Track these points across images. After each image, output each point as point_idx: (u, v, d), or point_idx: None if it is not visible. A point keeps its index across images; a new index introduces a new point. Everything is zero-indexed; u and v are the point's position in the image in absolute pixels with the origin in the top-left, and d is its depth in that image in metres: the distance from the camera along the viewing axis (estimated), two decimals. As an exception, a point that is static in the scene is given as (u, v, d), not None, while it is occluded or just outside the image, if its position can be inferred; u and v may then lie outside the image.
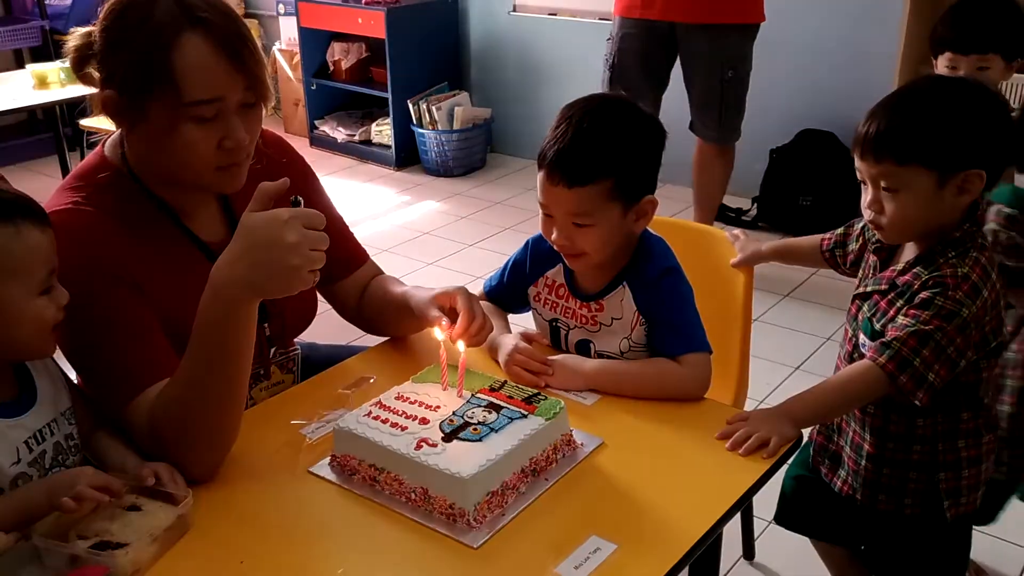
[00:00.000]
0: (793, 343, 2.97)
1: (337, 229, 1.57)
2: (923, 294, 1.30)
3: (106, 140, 1.38)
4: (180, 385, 1.18)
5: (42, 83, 3.76)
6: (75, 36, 1.29)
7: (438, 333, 1.32)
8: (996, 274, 1.32)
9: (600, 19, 4.23)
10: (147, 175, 1.33)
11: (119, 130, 1.34)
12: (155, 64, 1.19)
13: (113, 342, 1.22)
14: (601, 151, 1.34)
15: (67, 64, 3.89)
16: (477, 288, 1.58)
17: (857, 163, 1.34)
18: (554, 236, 1.40)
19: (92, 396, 1.26)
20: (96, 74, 1.27)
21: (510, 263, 1.56)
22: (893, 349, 1.28)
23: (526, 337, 1.46)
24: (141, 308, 1.25)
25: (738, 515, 1.52)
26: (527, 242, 1.54)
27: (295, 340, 1.53)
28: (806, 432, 1.38)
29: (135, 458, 1.20)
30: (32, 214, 1.11)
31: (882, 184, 1.31)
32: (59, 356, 1.23)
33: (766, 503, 1.65)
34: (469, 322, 1.35)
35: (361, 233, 1.65)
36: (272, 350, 1.46)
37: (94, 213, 1.27)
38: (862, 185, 1.36)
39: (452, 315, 1.38)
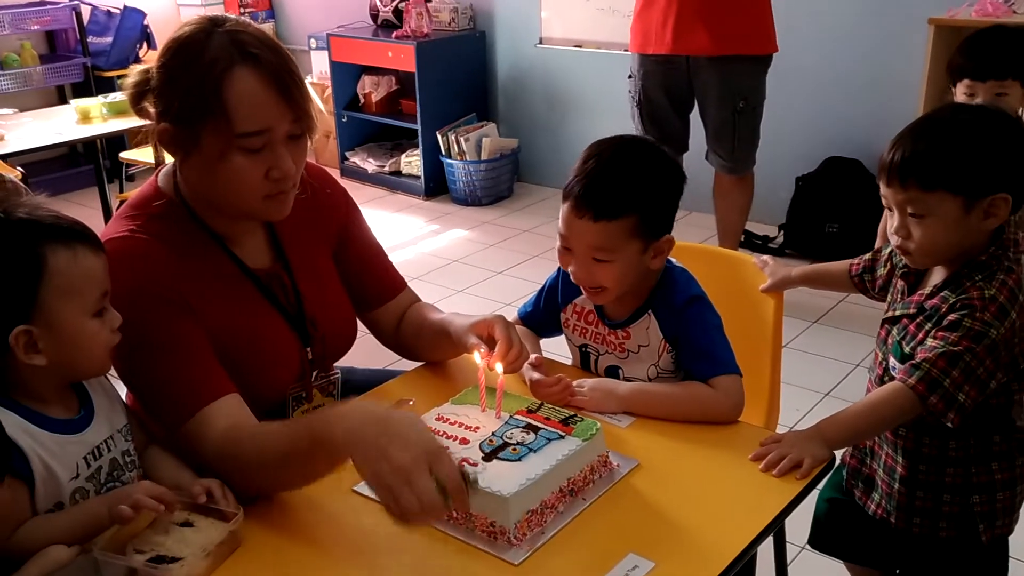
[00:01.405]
0: (823, 369, 2.98)
1: (376, 257, 1.64)
2: (951, 316, 1.32)
3: (159, 172, 1.44)
4: (267, 449, 1.20)
5: (85, 118, 3.87)
6: (134, 73, 1.37)
7: (477, 358, 1.36)
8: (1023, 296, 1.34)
9: (624, 51, 4.31)
10: (198, 204, 1.39)
11: (170, 162, 1.41)
12: (208, 97, 1.26)
13: (169, 362, 1.28)
14: (629, 187, 1.37)
15: (108, 100, 3.98)
16: (508, 315, 1.62)
17: (883, 190, 1.37)
18: (572, 269, 1.43)
19: (148, 416, 1.31)
20: (152, 108, 1.34)
21: (545, 288, 1.60)
22: (923, 370, 1.30)
23: (532, 364, 1.47)
24: (194, 330, 1.31)
25: (771, 540, 1.54)
26: (559, 268, 1.57)
27: (335, 364, 1.58)
28: (838, 454, 1.40)
29: (188, 474, 1.24)
30: (87, 239, 1.17)
31: (909, 210, 1.34)
32: (112, 375, 1.28)
33: (798, 529, 1.66)
34: (507, 349, 1.39)
35: (392, 261, 1.70)
36: (314, 373, 1.51)
37: (149, 240, 1.33)
38: (888, 211, 1.39)
39: (490, 342, 1.41)
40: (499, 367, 1.33)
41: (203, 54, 1.27)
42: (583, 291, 1.48)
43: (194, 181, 1.37)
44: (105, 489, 1.19)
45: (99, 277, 1.17)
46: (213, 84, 1.25)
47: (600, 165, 1.38)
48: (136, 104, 1.37)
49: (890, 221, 1.39)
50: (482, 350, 1.38)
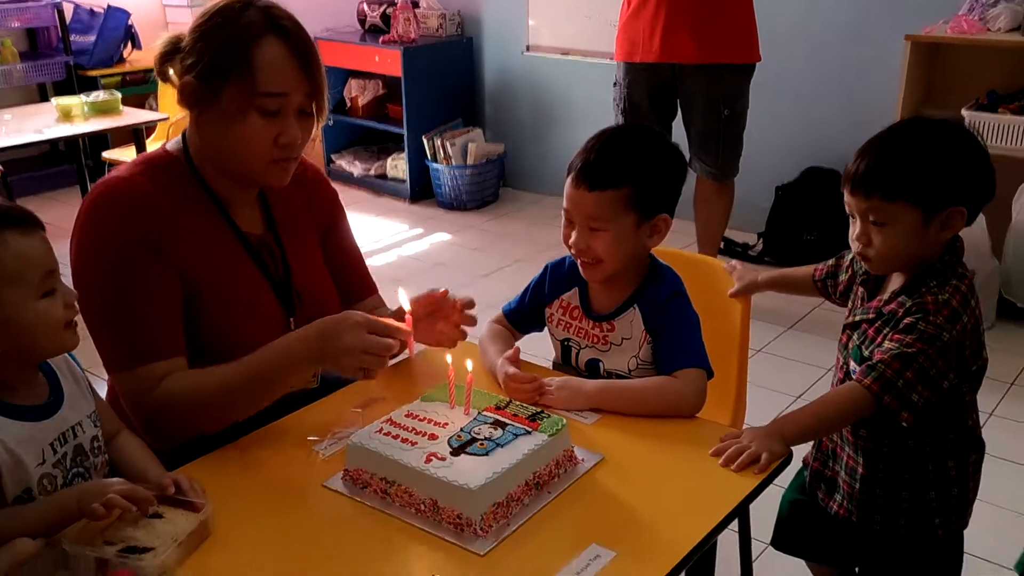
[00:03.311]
0: (795, 373, 3.03)
1: (354, 258, 1.70)
2: (906, 320, 1.36)
3: (167, 142, 1.52)
4: (213, 386, 1.34)
5: (66, 116, 3.87)
6: (164, 38, 1.45)
7: (404, 300, 1.41)
8: (975, 300, 1.39)
9: (610, 59, 4.35)
10: (204, 164, 1.47)
11: (176, 139, 1.50)
12: (238, 55, 1.36)
13: (139, 309, 1.36)
14: (624, 160, 1.47)
15: (90, 98, 4.00)
16: (491, 315, 1.67)
17: (847, 198, 1.42)
18: (572, 240, 1.50)
19: (98, 350, 1.35)
20: (174, 75, 1.43)
21: (531, 286, 1.66)
22: (878, 371, 1.35)
23: (509, 359, 1.52)
24: (172, 286, 1.39)
25: (736, 538, 1.58)
26: (546, 266, 1.65)
27: None
28: (799, 452, 1.43)
29: (155, 466, 1.27)
30: (15, 222, 1.13)
31: (871, 218, 1.39)
32: (82, 359, 1.29)
33: (763, 527, 1.70)
34: (426, 295, 1.49)
35: (375, 264, 1.75)
36: None
37: (149, 187, 1.41)
38: (851, 218, 1.43)
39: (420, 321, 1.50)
40: (469, 364, 1.36)
41: (239, 19, 1.38)
42: (580, 269, 1.54)
43: (205, 137, 1.45)
44: (72, 475, 1.19)
45: (36, 259, 1.14)
46: (244, 44, 1.36)
47: (600, 143, 1.49)
48: (160, 65, 1.45)
49: (852, 228, 1.43)
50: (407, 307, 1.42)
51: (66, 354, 1.25)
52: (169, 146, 1.50)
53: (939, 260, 1.40)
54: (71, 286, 1.22)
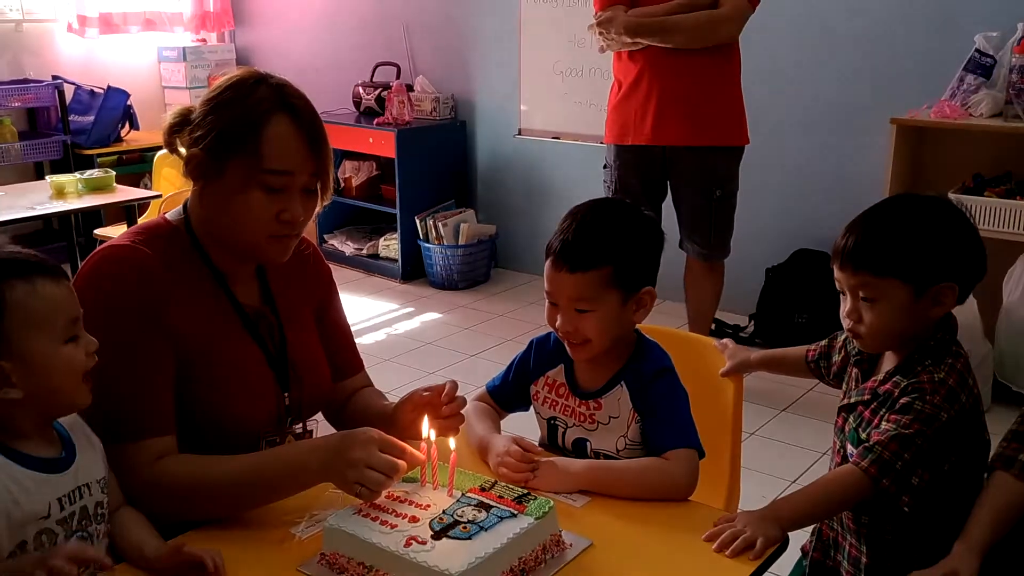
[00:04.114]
0: (790, 457, 2.97)
1: (344, 335, 1.68)
2: (903, 400, 1.33)
3: (167, 211, 1.52)
4: (214, 477, 1.33)
5: (60, 193, 3.88)
6: (174, 110, 1.46)
7: (425, 427, 1.35)
8: (972, 379, 1.36)
9: (600, 142, 4.42)
10: (205, 236, 1.45)
11: (177, 209, 1.49)
12: (247, 130, 1.37)
13: (136, 383, 1.33)
14: (601, 241, 1.45)
15: (85, 176, 4.02)
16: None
17: (836, 274, 1.40)
18: (558, 323, 1.47)
19: (89, 421, 1.30)
20: (182, 146, 1.44)
21: (515, 362, 1.63)
22: (875, 453, 1.31)
23: (518, 441, 1.49)
24: (167, 358, 1.36)
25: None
26: (531, 342, 1.62)
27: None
28: (796, 539, 1.38)
29: (154, 539, 1.25)
30: (46, 270, 1.18)
31: (861, 294, 1.37)
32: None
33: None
34: (441, 391, 1.45)
35: (365, 342, 1.73)
36: (289, 420, 1.52)
37: (148, 255, 1.39)
38: (841, 296, 1.42)
39: (418, 412, 1.45)
40: (452, 442, 1.32)
41: (250, 95, 1.39)
42: (568, 349, 1.51)
43: (207, 210, 1.44)
44: (73, 534, 1.18)
45: (63, 305, 1.18)
46: (254, 121, 1.37)
47: (576, 222, 1.48)
48: (169, 137, 1.46)
49: (843, 305, 1.41)
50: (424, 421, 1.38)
51: (84, 423, 1.26)
52: (169, 215, 1.49)
53: (932, 338, 1.38)
54: None
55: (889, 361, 1.42)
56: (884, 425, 1.33)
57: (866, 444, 1.33)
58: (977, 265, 1.37)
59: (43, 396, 1.16)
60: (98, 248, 1.44)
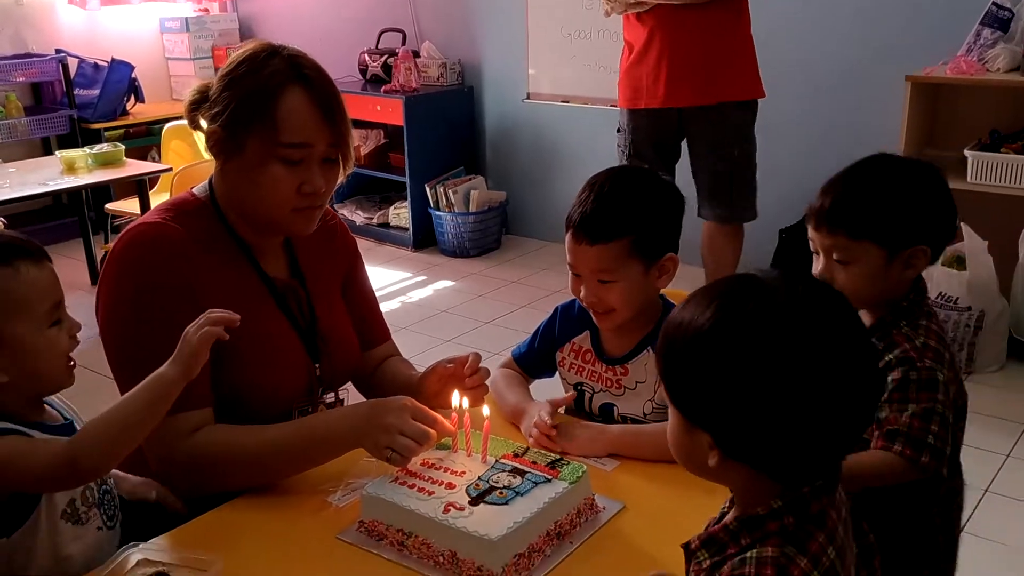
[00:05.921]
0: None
1: (370, 305, 1.70)
2: (894, 375, 1.32)
3: (194, 187, 1.51)
4: (252, 446, 1.34)
5: (70, 168, 3.89)
6: (193, 88, 1.45)
7: (455, 398, 1.37)
8: (947, 339, 1.37)
9: (611, 106, 4.39)
10: (230, 211, 1.46)
11: (202, 184, 1.49)
12: (261, 105, 1.36)
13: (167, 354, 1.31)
14: (620, 211, 1.43)
15: (94, 151, 4.04)
16: (495, 364, 1.63)
17: (811, 233, 1.41)
18: (583, 294, 1.48)
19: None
20: (203, 121, 1.43)
21: (540, 329, 1.63)
22: (904, 435, 1.29)
23: (554, 404, 1.49)
24: None
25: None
26: (556, 309, 1.62)
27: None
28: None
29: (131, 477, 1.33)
30: (28, 253, 1.18)
31: (834, 256, 1.37)
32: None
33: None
34: (465, 361, 1.47)
35: (382, 312, 1.74)
36: (320, 390, 1.53)
37: (178, 231, 1.40)
38: (814, 255, 1.42)
39: (445, 381, 1.49)
40: (485, 409, 1.33)
41: (264, 68, 1.38)
42: (593, 317, 1.51)
43: (230, 186, 1.44)
44: (102, 491, 1.25)
45: (46, 288, 1.19)
46: (268, 94, 1.36)
47: (594, 193, 1.46)
48: (190, 113, 1.45)
49: (815, 264, 1.41)
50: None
51: (69, 403, 1.27)
52: (196, 191, 1.50)
53: (905, 299, 1.38)
54: (98, 334, 1.29)
55: (863, 321, 1.42)
56: (893, 407, 1.31)
57: (890, 429, 1.31)
58: (949, 227, 1.38)
59: (28, 380, 1.17)
60: (129, 226, 1.45)
